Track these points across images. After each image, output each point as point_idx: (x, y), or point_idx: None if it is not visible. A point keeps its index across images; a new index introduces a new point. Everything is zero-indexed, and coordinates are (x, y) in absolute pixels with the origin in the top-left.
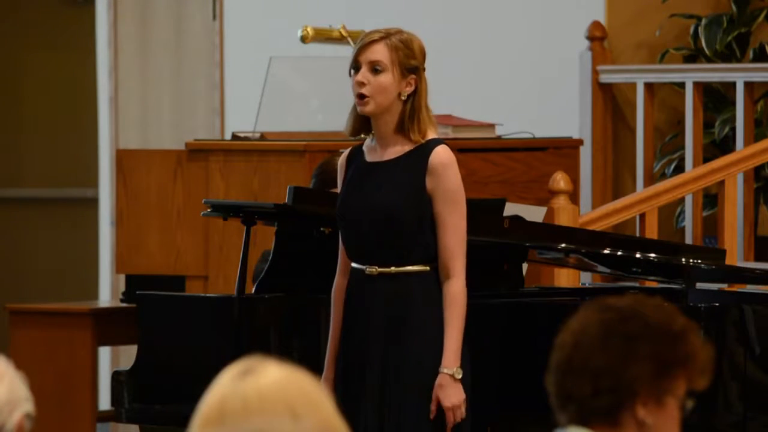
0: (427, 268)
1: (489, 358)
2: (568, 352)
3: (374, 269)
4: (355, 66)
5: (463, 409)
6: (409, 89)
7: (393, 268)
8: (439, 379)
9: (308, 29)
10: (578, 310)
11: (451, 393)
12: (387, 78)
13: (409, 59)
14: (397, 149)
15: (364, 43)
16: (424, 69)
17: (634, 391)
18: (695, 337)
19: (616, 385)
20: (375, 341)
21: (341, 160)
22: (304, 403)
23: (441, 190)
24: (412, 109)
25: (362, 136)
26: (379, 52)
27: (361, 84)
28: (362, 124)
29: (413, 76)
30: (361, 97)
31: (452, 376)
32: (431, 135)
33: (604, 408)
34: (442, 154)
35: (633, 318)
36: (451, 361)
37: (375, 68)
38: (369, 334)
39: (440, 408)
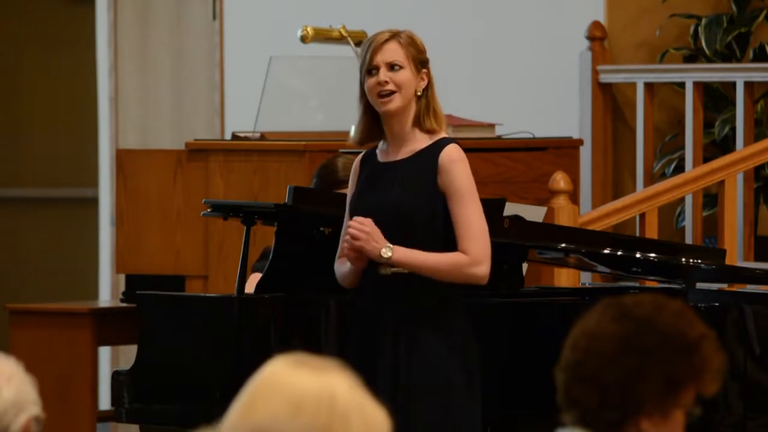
0: None
1: (489, 359)
2: (579, 356)
3: (388, 269)
4: (372, 69)
5: (355, 243)
6: (423, 84)
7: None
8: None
9: (308, 29)
10: (594, 306)
11: (375, 232)
12: (406, 74)
13: (420, 53)
14: (410, 148)
15: (376, 44)
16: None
17: (641, 407)
18: (709, 346)
19: (624, 401)
20: (387, 342)
21: (355, 163)
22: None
23: (451, 188)
24: (427, 102)
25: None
26: (395, 51)
27: (384, 83)
28: (370, 132)
29: (425, 70)
30: (385, 95)
31: (380, 250)
32: (444, 131)
33: (608, 420)
34: (451, 152)
35: (649, 330)
36: (398, 251)
37: (393, 67)
38: (383, 335)
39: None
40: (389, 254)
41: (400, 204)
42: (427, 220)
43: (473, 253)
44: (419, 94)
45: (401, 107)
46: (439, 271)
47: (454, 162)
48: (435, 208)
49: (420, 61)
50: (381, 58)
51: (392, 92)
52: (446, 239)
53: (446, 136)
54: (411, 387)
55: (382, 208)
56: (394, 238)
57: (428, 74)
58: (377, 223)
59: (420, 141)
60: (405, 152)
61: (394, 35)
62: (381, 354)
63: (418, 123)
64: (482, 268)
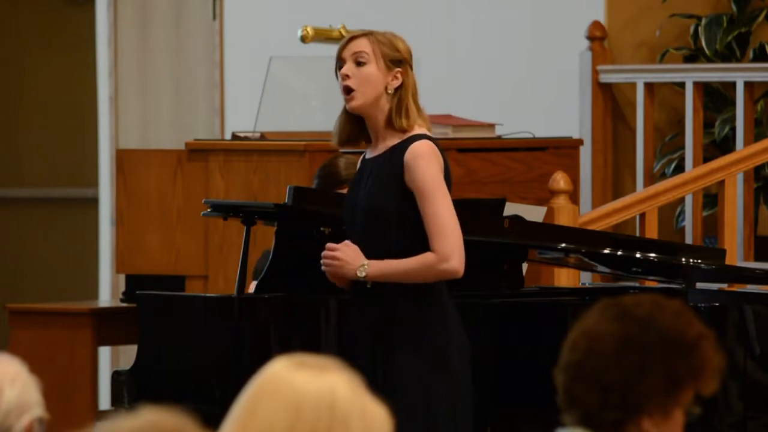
0: None
1: (489, 358)
2: (580, 356)
3: (369, 282)
4: (340, 63)
5: (331, 262)
6: (396, 83)
7: None
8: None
9: (308, 29)
10: (594, 306)
11: (346, 255)
12: (371, 68)
13: (393, 52)
14: (385, 145)
15: (346, 40)
16: (410, 65)
17: (642, 406)
18: (708, 345)
19: (625, 401)
20: (366, 342)
21: (359, 160)
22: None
23: (416, 186)
24: (399, 101)
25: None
26: (362, 45)
27: (346, 76)
28: (349, 133)
29: (399, 69)
30: (347, 91)
31: (356, 271)
32: (420, 130)
33: (609, 420)
34: (415, 149)
35: (650, 330)
36: (372, 267)
37: (358, 61)
38: (361, 336)
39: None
40: (364, 274)
41: (370, 203)
42: (397, 218)
43: (440, 249)
44: (390, 92)
45: (364, 104)
46: (412, 274)
47: (417, 158)
48: (404, 205)
49: (392, 60)
50: (347, 52)
51: (351, 90)
52: (419, 236)
53: (421, 132)
54: (386, 392)
55: (356, 207)
56: (367, 237)
57: (404, 74)
58: (354, 221)
59: (395, 137)
60: (381, 149)
61: (368, 33)
62: (362, 355)
63: (390, 122)
64: (452, 263)
